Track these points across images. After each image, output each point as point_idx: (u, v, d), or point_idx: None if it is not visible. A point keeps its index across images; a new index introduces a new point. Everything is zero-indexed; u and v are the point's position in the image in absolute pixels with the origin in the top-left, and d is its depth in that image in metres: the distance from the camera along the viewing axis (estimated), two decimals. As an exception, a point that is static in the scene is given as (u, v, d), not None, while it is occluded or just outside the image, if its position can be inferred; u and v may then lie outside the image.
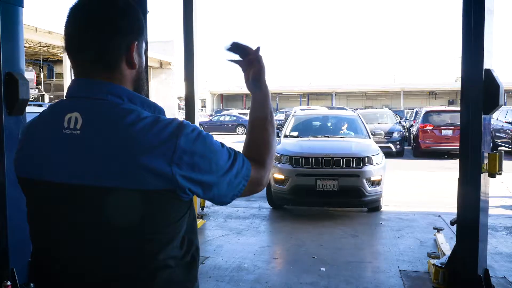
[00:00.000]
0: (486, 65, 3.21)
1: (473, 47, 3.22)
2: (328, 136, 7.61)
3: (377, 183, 6.26)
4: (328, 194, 6.12)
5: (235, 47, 1.29)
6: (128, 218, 0.99)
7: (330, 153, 6.27)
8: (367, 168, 6.16)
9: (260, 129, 1.24)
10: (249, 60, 1.29)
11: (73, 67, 1.10)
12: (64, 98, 1.12)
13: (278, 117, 24.90)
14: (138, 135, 0.98)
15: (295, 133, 7.81)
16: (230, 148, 1.10)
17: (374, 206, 6.60)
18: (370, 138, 7.47)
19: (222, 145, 1.09)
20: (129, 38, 1.08)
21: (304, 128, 8.16)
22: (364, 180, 6.10)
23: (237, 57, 1.31)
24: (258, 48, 1.29)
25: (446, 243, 4.76)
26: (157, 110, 1.09)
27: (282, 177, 6.32)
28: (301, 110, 10.05)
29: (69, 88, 1.11)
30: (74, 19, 1.07)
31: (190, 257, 1.11)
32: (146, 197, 0.98)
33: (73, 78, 1.12)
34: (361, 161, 6.16)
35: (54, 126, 1.05)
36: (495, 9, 3.33)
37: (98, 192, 0.99)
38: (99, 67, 1.07)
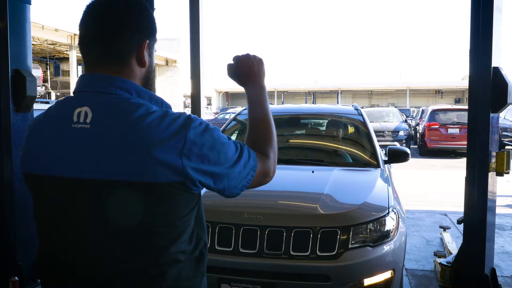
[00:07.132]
0: (494, 63, 3.18)
1: (481, 45, 3.20)
2: (293, 162, 3.78)
3: None
4: None
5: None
6: (138, 212, 0.99)
7: (261, 211, 2.74)
8: (354, 255, 2.62)
9: (259, 122, 1.25)
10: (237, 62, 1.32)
11: (84, 62, 1.12)
12: (72, 94, 1.13)
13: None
14: (149, 129, 0.99)
15: None
16: (235, 140, 1.12)
17: None
18: (379, 162, 3.79)
19: (229, 138, 1.10)
20: (140, 35, 1.10)
21: None
22: None
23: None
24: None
25: (453, 242, 4.74)
26: (164, 105, 1.10)
27: None
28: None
29: (78, 83, 1.12)
30: (90, 16, 1.09)
31: (199, 252, 1.11)
32: (157, 190, 0.99)
33: (81, 74, 1.13)
34: (339, 235, 2.63)
35: (63, 121, 1.05)
36: (504, 7, 3.30)
37: (109, 186, 0.99)
38: (109, 61, 1.08)
